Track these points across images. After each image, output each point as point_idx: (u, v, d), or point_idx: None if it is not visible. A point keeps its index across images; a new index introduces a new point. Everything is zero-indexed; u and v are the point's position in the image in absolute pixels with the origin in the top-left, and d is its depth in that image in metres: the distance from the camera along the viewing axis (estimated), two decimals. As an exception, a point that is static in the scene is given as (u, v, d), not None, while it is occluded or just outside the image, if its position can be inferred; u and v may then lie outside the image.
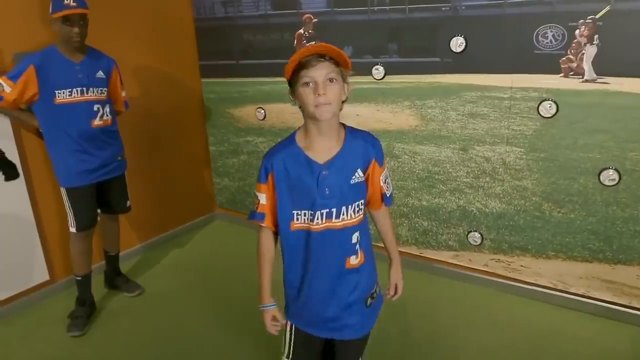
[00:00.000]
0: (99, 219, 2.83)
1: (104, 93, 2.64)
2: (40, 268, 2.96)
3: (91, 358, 2.46)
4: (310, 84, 1.31)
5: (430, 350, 2.39)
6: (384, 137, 3.01)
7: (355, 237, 1.45)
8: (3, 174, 2.73)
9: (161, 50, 3.47)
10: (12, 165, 2.76)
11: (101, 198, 2.78)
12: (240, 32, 3.47)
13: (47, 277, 3.00)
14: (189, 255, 3.51)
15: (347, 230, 1.43)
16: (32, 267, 2.92)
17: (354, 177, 1.42)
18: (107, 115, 2.66)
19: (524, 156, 2.59)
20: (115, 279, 3.06)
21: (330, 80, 1.32)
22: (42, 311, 2.88)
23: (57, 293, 3.01)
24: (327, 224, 1.41)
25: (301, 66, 1.31)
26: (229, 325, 2.63)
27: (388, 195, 1.56)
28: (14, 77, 2.41)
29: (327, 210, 1.40)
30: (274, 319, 1.57)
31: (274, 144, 1.47)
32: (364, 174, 1.44)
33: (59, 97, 2.48)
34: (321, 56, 1.30)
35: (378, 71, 2.92)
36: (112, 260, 3.06)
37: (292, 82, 1.36)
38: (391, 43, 2.87)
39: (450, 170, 2.82)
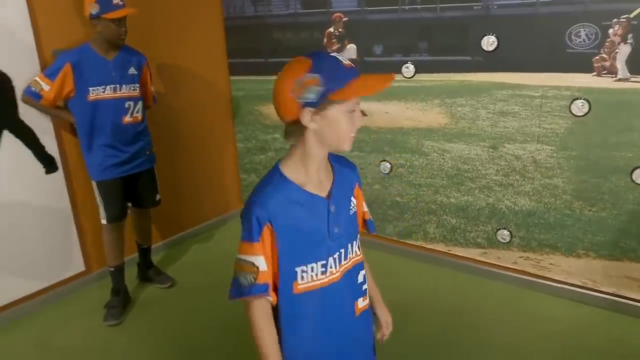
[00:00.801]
0: (129, 212, 2.92)
1: (135, 90, 2.72)
2: (77, 259, 3.04)
3: (125, 347, 2.53)
4: (356, 111, 1.11)
5: (457, 347, 2.42)
6: (413, 134, 3.04)
7: (361, 276, 1.28)
8: (43, 167, 2.81)
9: (191, 48, 3.53)
10: (51, 159, 2.84)
11: (131, 192, 2.85)
12: (270, 31, 3.52)
13: (83, 268, 3.08)
14: (215, 251, 3.57)
15: (354, 270, 1.25)
16: (69, 258, 3.01)
17: (351, 207, 1.26)
18: (137, 112, 2.74)
19: (555, 154, 2.61)
20: (147, 271, 3.13)
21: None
22: (78, 301, 2.96)
23: (92, 284, 3.10)
24: (341, 269, 1.20)
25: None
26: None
27: (372, 221, 1.39)
28: (51, 75, 2.50)
29: (338, 252, 1.19)
30: None
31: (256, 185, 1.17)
32: (354, 202, 1.28)
33: (92, 94, 2.57)
34: None
35: (408, 69, 2.95)
36: (144, 253, 3.13)
37: (324, 103, 1.06)
38: (421, 42, 2.90)
39: (480, 168, 2.84)
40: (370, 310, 1.35)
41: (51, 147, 2.83)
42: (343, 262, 1.20)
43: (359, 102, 1.12)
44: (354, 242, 1.25)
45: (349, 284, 1.23)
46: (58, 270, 2.97)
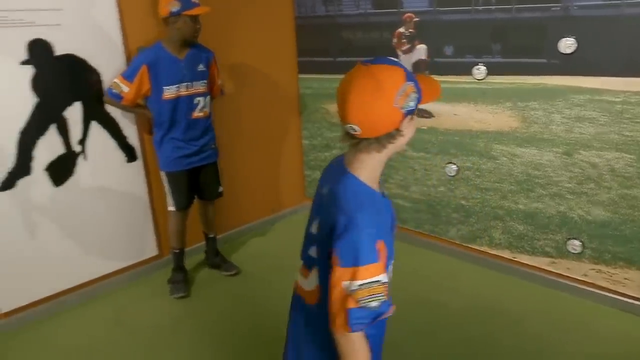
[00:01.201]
0: (194, 202, 3.09)
1: (204, 85, 2.87)
2: (151, 243, 3.24)
3: (192, 328, 2.67)
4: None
5: (517, 356, 2.36)
6: (481, 137, 2.98)
7: None
8: (125, 156, 3.02)
9: (262, 46, 3.65)
10: (132, 149, 3.04)
11: (196, 184, 3.02)
12: (339, 30, 3.57)
13: (156, 252, 3.28)
14: (277, 243, 3.67)
15: None
16: (144, 242, 3.21)
17: None
18: (205, 107, 2.89)
19: (635, 163, 2.47)
20: (214, 258, 3.28)
21: None
22: (150, 283, 3.16)
23: (163, 267, 3.28)
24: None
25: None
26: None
27: None
28: (129, 77, 2.66)
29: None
30: None
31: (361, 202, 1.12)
32: None
33: (166, 92, 2.73)
34: None
35: (479, 71, 2.90)
36: (210, 242, 3.28)
37: (410, 113, 1.10)
38: (495, 43, 2.83)
39: (552, 174, 2.74)
40: None
41: (132, 138, 3.03)
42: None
43: None
44: None
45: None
46: (133, 253, 3.18)
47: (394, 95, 1.04)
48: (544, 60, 2.67)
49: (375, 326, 1.15)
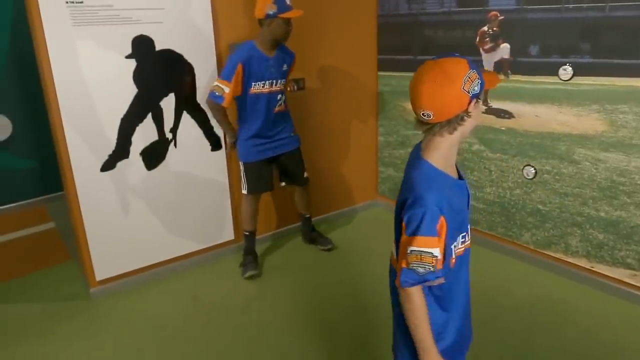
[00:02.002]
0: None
1: (284, 83, 3.06)
2: (228, 228, 3.45)
3: (263, 310, 2.83)
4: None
5: (593, 367, 2.28)
6: (564, 140, 2.87)
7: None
8: (210, 145, 3.24)
9: (344, 43, 3.73)
10: (217, 139, 3.26)
11: (283, 171, 3.25)
12: (421, 29, 3.57)
13: (232, 237, 3.48)
14: (351, 236, 3.76)
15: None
16: (222, 226, 3.43)
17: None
18: (283, 102, 3.08)
19: None
20: (310, 233, 3.56)
21: None
22: (225, 265, 3.37)
23: (239, 252, 3.48)
24: (469, 240, 1.41)
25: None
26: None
27: None
28: (228, 78, 2.83)
29: (469, 225, 1.41)
30: None
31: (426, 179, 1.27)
32: None
33: (254, 87, 2.91)
34: None
35: (566, 72, 2.80)
36: (306, 221, 3.55)
37: (474, 101, 1.24)
38: (584, 42, 2.72)
39: (639, 182, 2.60)
40: None
41: (218, 128, 3.24)
42: (469, 231, 1.40)
43: None
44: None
45: (469, 253, 1.43)
46: (212, 236, 3.40)
47: (461, 80, 1.20)
48: (638, 62, 2.53)
49: (453, 303, 1.36)
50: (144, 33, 2.85)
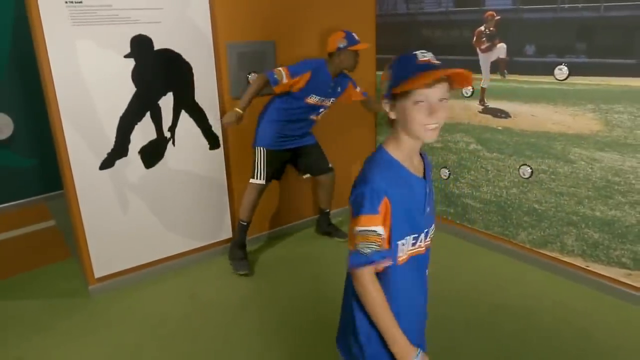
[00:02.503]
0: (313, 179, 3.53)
1: (334, 102, 3.27)
2: (226, 226, 3.48)
3: (260, 307, 2.85)
4: (424, 102, 1.18)
5: (587, 365, 2.29)
6: (559, 139, 2.89)
7: (428, 251, 1.41)
8: (208, 143, 3.26)
9: (344, 44, 3.74)
10: (215, 138, 3.28)
11: (302, 164, 3.39)
12: (419, 28, 3.59)
13: (230, 235, 3.50)
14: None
15: (429, 247, 1.40)
16: (220, 224, 3.45)
17: (434, 189, 1.42)
18: (320, 116, 3.29)
19: None
20: (327, 227, 3.73)
21: (441, 100, 1.20)
22: (223, 263, 3.38)
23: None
24: (426, 244, 1.35)
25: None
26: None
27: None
28: (294, 74, 2.99)
29: (426, 230, 1.33)
30: None
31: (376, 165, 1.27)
32: None
33: (310, 98, 3.11)
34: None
35: (561, 71, 2.81)
36: (325, 215, 3.70)
37: (398, 94, 1.20)
38: (579, 42, 2.73)
39: (634, 181, 2.61)
40: None
41: (216, 127, 3.26)
42: (427, 239, 1.36)
43: (430, 98, 1.18)
44: (434, 220, 1.40)
45: (427, 258, 1.40)
46: (210, 234, 3.43)
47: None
48: (633, 61, 2.54)
49: (398, 301, 1.30)
50: (143, 33, 2.87)
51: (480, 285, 2.98)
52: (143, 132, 3.00)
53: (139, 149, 3.00)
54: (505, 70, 3.08)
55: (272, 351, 2.47)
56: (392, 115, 1.24)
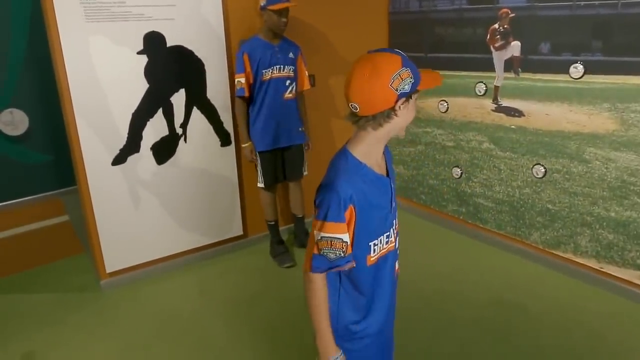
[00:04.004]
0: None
1: (294, 71, 3.12)
2: (237, 224, 3.48)
3: (268, 304, 2.85)
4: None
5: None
6: (574, 139, 2.84)
7: (397, 242, 1.42)
8: (219, 140, 3.27)
9: (354, 40, 3.73)
10: (227, 135, 3.29)
11: (282, 165, 3.26)
12: (432, 26, 3.56)
13: (240, 232, 3.52)
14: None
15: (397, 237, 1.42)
16: (231, 221, 3.46)
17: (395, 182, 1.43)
18: (293, 90, 3.15)
19: None
20: (303, 238, 3.48)
21: None
22: (233, 260, 3.40)
23: (246, 247, 3.52)
24: (395, 237, 1.37)
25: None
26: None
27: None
28: (240, 69, 2.99)
29: (394, 223, 1.36)
30: None
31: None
32: None
33: (264, 75, 3.01)
34: None
35: (576, 70, 2.76)
36: (299, 222, 3.51)
37: (413, 92, 1.22)
38: (595, 40, 2.68)
39: (650, 182, 2.56)
40: None
41: (228, 124, 3.27)
42: (395, 233, 1.38)
43: None
44: (397, 213, 1.42)
45: (396, 251, 1.41)
46: (220, 231, 3.44)
47: (389, 77, 1.17)
48: (651, 60, 2.49)
49: (370, 298, 1.35)
50: (156, 29, 2.89)
51: (491, 285, 2.94)
52: (155, 129, 3.01)
53: (151, 145, 3.02)
54: (519, 69, 3.04)
55: (281, 347, 2.47)
56: (399, 114, 1.21)
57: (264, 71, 3.01)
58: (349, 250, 1.25)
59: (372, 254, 1.30)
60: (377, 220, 1.29)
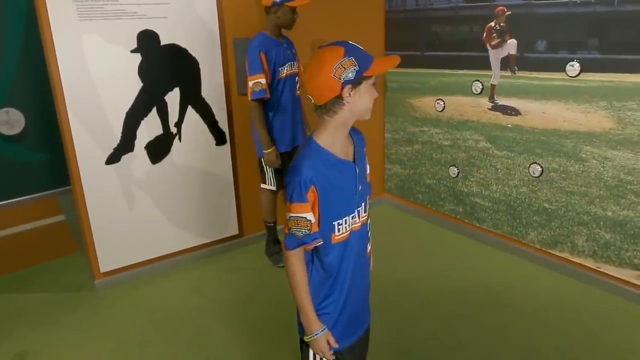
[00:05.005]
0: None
1: (297, 68, 3.03)
2: (232, 223, 3.47)
3: (263, 303, 2.83)
4: (375, 85, 1.35)
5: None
6: (571, 137, 2.82)
7: (368, 225, 1.52)
8: (214, 139, 3.26)
9: (351, 38, 3.65)
10: (222, 134, 3.27)
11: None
12: (429, 24, 3.54)
13: (236, 232, 3.50)
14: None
15: (367, 222, 1.50)
16: (227, 221, 3.44)
17: (367, 168, 1.52)
18: (299, 87, 3.06)
19: None
20: (274, 246, 3.28)
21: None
22: (229, 259, 3.39)
23: (242, 247, 3.50)
24: (362, 220, 1.45)
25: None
26: (383, 301, 2.78)
27: (369, 184, 1.57)
28: (259, 69, 2.77)
29: (361, 206, 1.44)
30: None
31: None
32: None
33: (280, 72, 2.89)
34: None
35: (573, 68, 2.74)
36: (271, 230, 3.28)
37: (361, 79, 1.30)
38: (592, 38, 2.66)
39: (647, 181, 2.54)
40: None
41: (223, 123, 3.25)
42: (362, 214, 1.45)
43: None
44: (368, 197, 1.50)
45: (364, 233, 1.49)
46: (216, 231, 3.42)
47: (331, 68, 1.27)
48: (648, 58, 2.47)
49: (335, 275, 1.42)
50: (150, 28, 2.87)
51: (488, 285, 2.93)
52: (149, 128, 3.00)
53: (145, 144, 3.01)
54: (516, 67, 3.02)
55: (276, 347, 2.46)
56: (350, 100, 1.30)
57: (280, 69, 2.89)
58: (314, 229, 1.35)
59: (336, 233, 1.38)
60: (341, 201, 1.38)
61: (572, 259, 2.93)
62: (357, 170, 1.41)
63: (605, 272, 2.78)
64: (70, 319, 2.76)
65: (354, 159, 1.42)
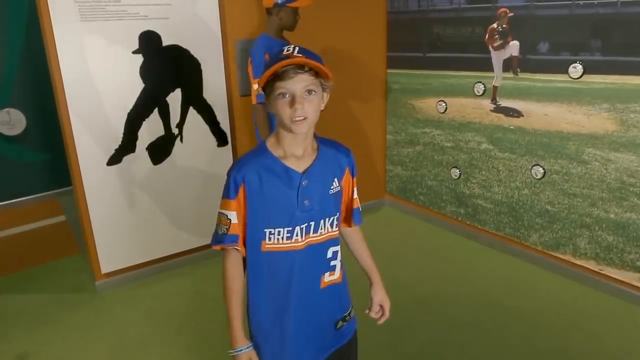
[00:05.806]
0: None
1: None
2: (234, 224, 3.46)
3: (266, 306, 2.82)
4: (287, 95, 1.20)
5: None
6: (573, 139, 2.82)
7: (330, 252, 1.36)
8: (216, 140, 3.25)
9: (353, 39, 3.71)
10: (223, 135, 3.27)
11: None
12: (431, 26, 3.53)
13: (238, 233, 3.49)
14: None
15: (324, 245, 1.34)
16: (228, 222, 3.43)
17: (332, 187, 1.35)
18: None
19: None
20: None
21: (309, 92, 1.21)
22: (231, 260, 3.37)
23: (244, 247, 3.49)
24: (307, 240, 1.30)
25: (277, 77, 1.19)
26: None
27: (359, 211, 1.49)
28: (260, 73, 2.75)
29: (306, 224, 1.29)
30: None
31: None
32: (340, 184, 1.38)
33: None
34: (300, 67, 1.19)
35: (575, 70, 2.74)
36: None
37: (267, 90, 1.24)
38: (594, 40, 2.66)
39: (650, 183, 2.53)
40: (341, 286, 1.45)
41: (224, 124, 3.25)
42: (312, 235, 1.31)
43: (293, 90, 1.20)
44: (329, 219, 1.34)
45: (314, 256, 1.34)
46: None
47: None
48: (651, 60, 2.46)
49: (258, 289, 1.34)
50: (151, 28, 2.87)
51: (490, 287, 2.92)
52: (151, 129, 2.99)
53: (146, 146, 3.00)
54: (518, 69, 3.01)
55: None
56: (270, 110, 1.25)
57: None
58: (233, 230, 1.28)
59: (267, 241, 1.29)
60: (275, 210, 1.27)
61: (574, 262, 2.92)
62: (303, 183, 1.28)
63: (608, 274, 2.77)
64: (71, 319, 2.76)
65: (306, 171, 1.29)
